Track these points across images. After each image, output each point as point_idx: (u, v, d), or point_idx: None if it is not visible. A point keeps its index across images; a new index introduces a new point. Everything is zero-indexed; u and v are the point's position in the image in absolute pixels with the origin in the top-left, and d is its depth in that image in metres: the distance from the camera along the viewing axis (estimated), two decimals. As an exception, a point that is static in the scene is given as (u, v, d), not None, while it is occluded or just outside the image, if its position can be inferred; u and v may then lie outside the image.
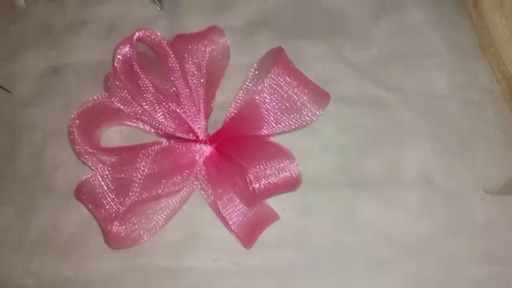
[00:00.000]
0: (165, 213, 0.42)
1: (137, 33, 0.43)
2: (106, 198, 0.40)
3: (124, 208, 0.39)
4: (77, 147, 0.42)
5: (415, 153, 0.45)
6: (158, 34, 0.43)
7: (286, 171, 0.39)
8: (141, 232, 0.41)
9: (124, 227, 0.40)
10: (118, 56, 0.43)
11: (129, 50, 0.42)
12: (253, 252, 0.41)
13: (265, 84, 0.40)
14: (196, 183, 0.43)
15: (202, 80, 0.45)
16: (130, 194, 0.39)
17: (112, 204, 0.40)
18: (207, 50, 0.46)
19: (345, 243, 0.42)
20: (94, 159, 0.43)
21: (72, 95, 0.48)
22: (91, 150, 0.42)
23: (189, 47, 0.46)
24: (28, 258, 0.42)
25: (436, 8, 0.51)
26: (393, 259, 0.41)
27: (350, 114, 0.46)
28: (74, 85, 0.49)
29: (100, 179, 0.40)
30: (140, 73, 0.42)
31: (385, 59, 0.49)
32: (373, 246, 0.42)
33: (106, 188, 0.40)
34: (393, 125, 0.46)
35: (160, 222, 0.42)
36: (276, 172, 0.39)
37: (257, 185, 0.38)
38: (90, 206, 0.41)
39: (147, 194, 0.40)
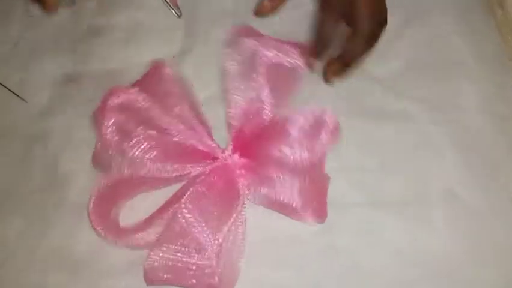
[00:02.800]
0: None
1: (109, 101, 0.41)
2: (190, 269, 0.38)
3: (216, 266, 0.37)
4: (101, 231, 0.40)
5: (441, 170, 0.43)
6: (132, 91, 0.41)
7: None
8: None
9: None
10: (108, 128, 0.41)
11: (113, 119, 0.41)
12: (272, 270, 0.40)
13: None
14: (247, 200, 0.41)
15: (186, 109, 0.43)
16: (207, 260, 0.37)
17: (198, 267, 0.38)
18: (166, 85, 0.44)
19: (364, 265, 0.40)
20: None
21: (88, 104, 0.47)
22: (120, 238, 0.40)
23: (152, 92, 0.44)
24: (40, 276, 0.41)
25: (463, 16, 0.49)
26: (416, 283, 0.39)
27: (371, 128, 0.45)
28: (90, 94, 0.48)
29: (166, 257, 0.38)
30: (141, 131, 0.41)
31: (408, 71, 0.47)
32: (394, 269, 0.40)
33: (183, 260, 0.38)
34: (417, 140, 0.44)
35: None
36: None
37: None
38: (181, 282, 0.38)
39: (220, 242, 0.38)
